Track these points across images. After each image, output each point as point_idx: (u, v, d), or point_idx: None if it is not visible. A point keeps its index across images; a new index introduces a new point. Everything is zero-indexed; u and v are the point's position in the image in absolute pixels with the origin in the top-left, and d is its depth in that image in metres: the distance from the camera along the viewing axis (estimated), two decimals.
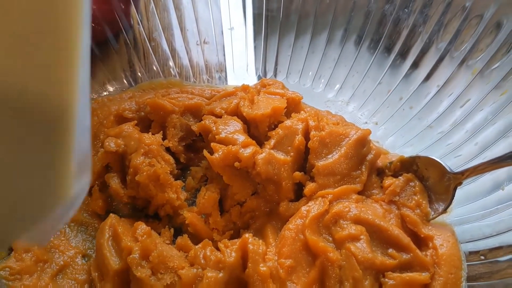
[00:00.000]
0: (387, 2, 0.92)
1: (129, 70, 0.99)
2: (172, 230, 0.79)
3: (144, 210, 0.83)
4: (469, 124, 0.84)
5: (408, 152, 0.87)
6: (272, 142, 0.79)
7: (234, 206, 0.82)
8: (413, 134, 0.91)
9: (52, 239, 0.79)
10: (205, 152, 0.78)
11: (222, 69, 1.05)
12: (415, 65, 0.91)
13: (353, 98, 0.99)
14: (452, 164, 0.74)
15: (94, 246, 0.79)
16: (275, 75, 1.06)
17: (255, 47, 1.05)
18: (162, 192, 0.79)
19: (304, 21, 1.00)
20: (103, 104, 0.90)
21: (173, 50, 1.02)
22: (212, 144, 0.78)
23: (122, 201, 0.80)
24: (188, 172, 0.89)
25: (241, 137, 0.79)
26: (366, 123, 0.96)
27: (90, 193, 0.83)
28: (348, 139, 0.77)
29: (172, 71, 1.02)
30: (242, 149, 0.76)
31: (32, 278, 0.73)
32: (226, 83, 1.05)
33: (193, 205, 0.84)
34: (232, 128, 0.81)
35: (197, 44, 1.04)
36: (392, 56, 0.93)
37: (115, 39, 0.97)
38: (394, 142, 0.92)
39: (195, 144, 0.90)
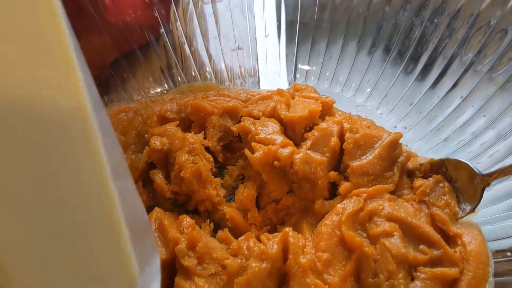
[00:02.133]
0: (414, 14, 0.97)
1: (168, 73, 1.04)
2: (212, 224, 0.84)
3: (184, 205, 0.88)
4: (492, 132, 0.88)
5: (432, 156, 0.91)
6: (309, 143, 0.83)
7: (270, 203, 0.86)
8: (436, 141, 0.95)
9: None
10: (246, 151, 0.82)
11: (255, 73, 1.10)
12: (440, 76, 0.95)
13: (382, 103, 1.04)
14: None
15: None
16: (305, 80, 1.11)
17: (287, 53, 1.10)
18: (203, 188, 0.84)
19: (335, 29, 1.05)
20: (147, 105, 0.95)
21: (209, 55, 1.07)
22: (252, 143, 0.82)
23: (166, 196, 0.85)
24: (225, 170, 0.94)
25: (280, 138, 0.83)
26: (395, 127, 1.00)
27: None
28: (381, 141, 0.81)
29: (208, 75, 1.07)
30: (281, 149, 0.81)
31: None
32: (259, 87, 1.10)
33: (230, 201, 0.89)
34: (270, 129, 0.85)
35: (232, 50, 1.09)
36: (419, 66, 0.98)
37: (157, 43, 1.03)
38: (419, 147, 0.96)
39: (231, 144, 0.95)
